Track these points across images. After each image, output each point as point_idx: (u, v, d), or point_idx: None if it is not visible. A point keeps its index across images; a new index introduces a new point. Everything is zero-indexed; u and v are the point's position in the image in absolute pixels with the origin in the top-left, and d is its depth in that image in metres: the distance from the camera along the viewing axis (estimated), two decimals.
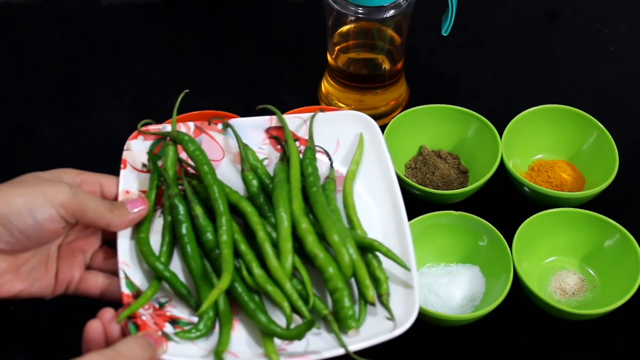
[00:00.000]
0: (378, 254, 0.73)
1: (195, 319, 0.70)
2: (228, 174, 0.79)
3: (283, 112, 0.92)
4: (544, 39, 1.13)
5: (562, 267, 0.87)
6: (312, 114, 0.81)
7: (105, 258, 0.75)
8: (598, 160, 0.92)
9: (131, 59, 1.09)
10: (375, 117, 0.98)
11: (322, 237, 0.72)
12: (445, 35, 0.97)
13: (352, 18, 0.91)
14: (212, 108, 0.93)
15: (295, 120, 0.81)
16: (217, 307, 0.70)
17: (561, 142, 0.95)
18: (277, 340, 0.69)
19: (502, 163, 0.90)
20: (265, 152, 0.81)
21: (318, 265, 0.71)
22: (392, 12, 0.90)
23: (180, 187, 0.76)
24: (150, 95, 1.05)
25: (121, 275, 0.70)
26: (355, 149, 0.81)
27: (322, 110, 0.81)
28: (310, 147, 0.79)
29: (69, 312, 0.83)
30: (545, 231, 0.86)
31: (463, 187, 0.92)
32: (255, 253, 0.72)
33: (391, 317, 0.69)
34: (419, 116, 0.94)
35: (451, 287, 0.83)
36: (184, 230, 0.73)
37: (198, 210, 0.73)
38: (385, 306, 0.70)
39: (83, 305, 0.83)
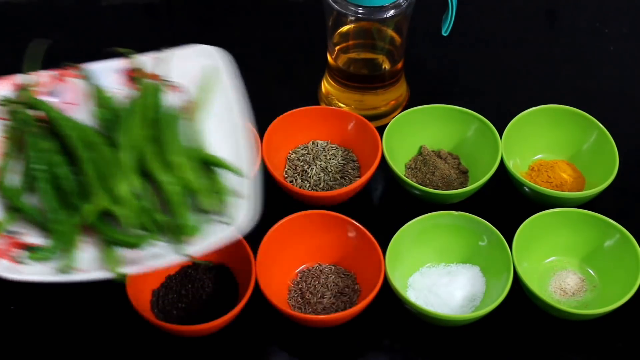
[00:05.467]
0: (218, 170, 0.79)
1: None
2: (87, 115, 0.83)
3: (283, 112, 0.93)
4: (544, 39, 1.13)
5: (562, 267, 0.87)
6: (164, 52, 0.85)
7: None
8: (598, 160, 0.92)
9: None
10: (375, 117, 0.98)
11: (167, 162, 0.78)
12: (445, 35, 0.97)
13: (352, 18, 0.91)
14: None
15: (147, 60, 0.85)
16: (65, 229, 0.75)
17: (561, 142, 0.95)
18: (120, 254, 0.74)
19: (502, 163, 0.90)
20: (123, 92, 0.84)
21: (160, 182, 0.76)
22: (392, 12, 0.90)
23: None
24: None
25: None
26: (204, 81, 0.84)
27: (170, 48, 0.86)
28: (160, 81, 0.83)
29: (69, 312, 0.83)
30: (545, 231, 0.86)
31: (463, 187, 0.92)
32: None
33: (229, 222, 0.74)
34: (419, 116, 0.94)
35: (451, 287, 0.83)
36: (38, 165, 0.77)
37: (46, 145, 0.78)
38: (223, 214, 0.76)
39: (83, 306, 0.83)
